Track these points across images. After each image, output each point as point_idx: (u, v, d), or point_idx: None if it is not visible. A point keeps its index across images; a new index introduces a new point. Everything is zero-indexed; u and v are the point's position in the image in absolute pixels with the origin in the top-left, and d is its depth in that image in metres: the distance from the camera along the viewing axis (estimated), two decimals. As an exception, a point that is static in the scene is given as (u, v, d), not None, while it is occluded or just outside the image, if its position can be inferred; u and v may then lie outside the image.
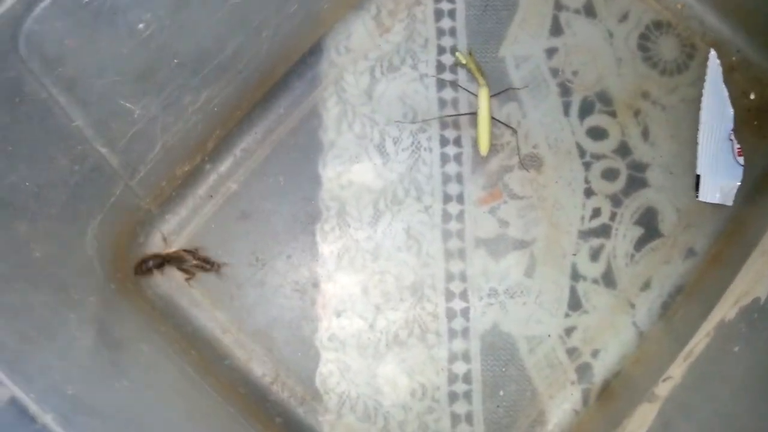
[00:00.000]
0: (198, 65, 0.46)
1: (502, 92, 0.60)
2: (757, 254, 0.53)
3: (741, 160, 0.59)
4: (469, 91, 0.60)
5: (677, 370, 0.52)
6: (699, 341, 0.52)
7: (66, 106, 0.39)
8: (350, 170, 0.59)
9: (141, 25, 0.39)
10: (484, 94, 0.59)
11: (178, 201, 0.56)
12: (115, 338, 0.43)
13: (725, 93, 0.60)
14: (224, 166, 0.57)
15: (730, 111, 0.60)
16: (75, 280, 0.44)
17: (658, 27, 0.62)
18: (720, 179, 0.59)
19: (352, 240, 0.57)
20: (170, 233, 0.56)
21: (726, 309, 0.53)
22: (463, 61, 0.59)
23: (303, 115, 0.59)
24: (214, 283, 0.56)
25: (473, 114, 0.59)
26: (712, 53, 0.61)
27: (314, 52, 0.59)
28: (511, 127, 0.59)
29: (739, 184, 0.59)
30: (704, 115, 0.60)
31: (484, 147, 0.58)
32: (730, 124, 0.60)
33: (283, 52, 0.55)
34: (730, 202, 0.59)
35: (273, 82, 0.57)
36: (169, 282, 0.54)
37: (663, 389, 0.52)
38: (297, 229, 0.57)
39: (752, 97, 0.61)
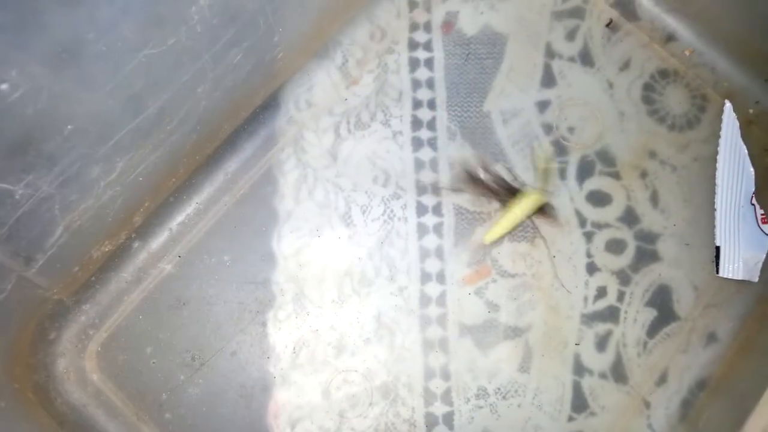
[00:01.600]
0: (106, 130, 0.35)
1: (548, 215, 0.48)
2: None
3: (767, 228, 0.49)
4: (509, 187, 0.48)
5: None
6: (736, 459, 0.41)
7: None
8: (310, 245, 0.47)
9: (4, 86, 0.28)
10: (533, 199, 0.47)
11: (98, 287, 0.43)
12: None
13: (744, 150, 0.49)
14: (157, 244, 0.45)
15: (751, 171, 0.49)
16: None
17: (664, 76, 0.52)
18: (743, 251, 0.48)
19: (311, 331, 0.46)
20: (87, 326, 0.44)
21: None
22: (543, 165, 0.48)
23: (255, 181, 0.47)
24: (142, 389, 0.43)
25: (497, 197, 0.48)
26: (728, 105, 0.50)
27: (269, 106, 0.48)
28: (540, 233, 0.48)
29: (765, 256, 0.48)
30: (721, 177, 0.49)
31: (491, 235, 0.47)
32: (752, 187, 0.49)
33: (228, 107, 0.44)
34: (755, 278, 0.48)
35: (217, 143, 0.45)
36: (84, 388, 0.42)
37: None
38: (244, 318, 0.45)
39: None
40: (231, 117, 0.45)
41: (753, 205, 0.48)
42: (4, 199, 0.32)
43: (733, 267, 0.48)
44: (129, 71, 0.33)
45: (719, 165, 0.49)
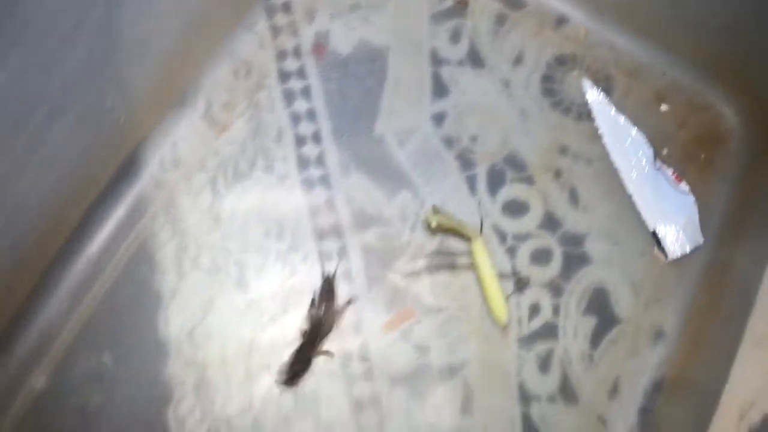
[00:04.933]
0: None
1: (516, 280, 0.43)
2: (749, 345, 0.39)
3: (684, 186, 0.45)
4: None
5: None
6: (705, 473, 0.37)
7: None
8: (205, 321, 0.41)
9: None
10: (479, 248, 0.42)
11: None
12: None
13: (623, 120, 0.45)
14: (17, 359, 0.39)
15: (639, 136, 0.45)
16: None
17: (561, 63, 0.48)
18: (677, 221, 0.44)
19: (221, 420, 0.39)
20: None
21: (729, 425, 0.38)
22: (433, 225, 0.42)
23: (126, 262, 0.41)
24: None
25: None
26: (585, 83, 0.46)
27: (127, 174, 0.41)
28: (522, 277, 0.43)
29: (698, 214, 0.44)
30: (616, 157, 0.45)
31: (501, 314, 0.41)
32: (649, 151, 0.45)
33: (69, 190, 0.38)
34: (700, 239, 0.44)
35: (70, 228, 0.39)
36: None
37: None
38: (137, 425, 0.38)
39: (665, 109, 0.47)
40: (79, 198, 0.39)
41: (659, 169, 0.45)
42: None
43: (678, 243, 0.44)
44: None
45: (608, 147, 0.45)
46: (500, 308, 0.40)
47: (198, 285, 0.41)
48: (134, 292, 0.40)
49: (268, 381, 0.40)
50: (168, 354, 0.39)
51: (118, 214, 0.41)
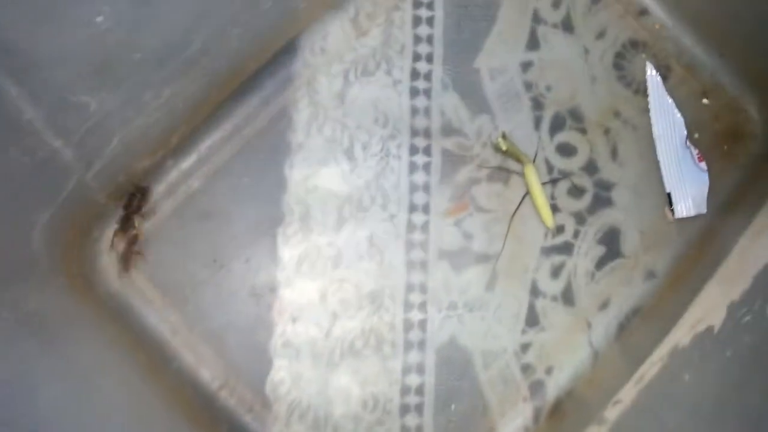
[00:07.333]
0: (162, 61, 0.41)
1: (555, 180, 0.56)
2: (715, 282, 0.52)
3: (703, 165, 0.55)
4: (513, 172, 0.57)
5: (628, 395, 0.51)
6: (651, 366, 0.52)
7: (17, 98, 0.37)
8: (317, 174, 0.56)
9: (99, 18, 0.36)
10: (531, 172, 0.54)
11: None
12: (53, 339, 0.41)
13: (670, 101, 0.56)
14: (187, 163, 0.52)
15: (680, 118, 0.56)
16: (12, 276, 0.41)
17: (634, 46, 0.60)
18: (689, 190, 0.56)
19: (313, 245, 0.55)
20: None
21: (680, 335, 0.52)
22: (504, 148, 0.54)
23: (272, 115, 0.55)
24: (170, 284, 0.53)
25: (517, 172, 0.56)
26: (648, 65, 0.57)
27: (288, 50, 0.55)
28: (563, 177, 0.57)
29: (707, 189, 0.56)
30: (657, 129, 0.56)
31: (549, 220, 0.54)
32: (684, 132, 0.56)
33: (254, 49, 0.51)
34: (704, 209, 0.55)
35: (243, 79, 0.52)
36: (122, 280, 0.52)
37: (612, 413, 0.51)
38: (258, 231, 0.52)
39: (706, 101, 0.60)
40: (256, 58, 0.52)
41: (688, 147, 0.57)
42: (82, 110, 0.40)
43: (685, 206, 0.55)
44: (184, 12, 0.40)
45: (653, 120, 0.56)
46: (548, 215, 0.54)
47: (318, 145, 0.55)
48: (274, 139, 0.54)
49: (352, 227, 0.55)
50: (287, 189, 0.54)
51: (275, 80, 0.54)
